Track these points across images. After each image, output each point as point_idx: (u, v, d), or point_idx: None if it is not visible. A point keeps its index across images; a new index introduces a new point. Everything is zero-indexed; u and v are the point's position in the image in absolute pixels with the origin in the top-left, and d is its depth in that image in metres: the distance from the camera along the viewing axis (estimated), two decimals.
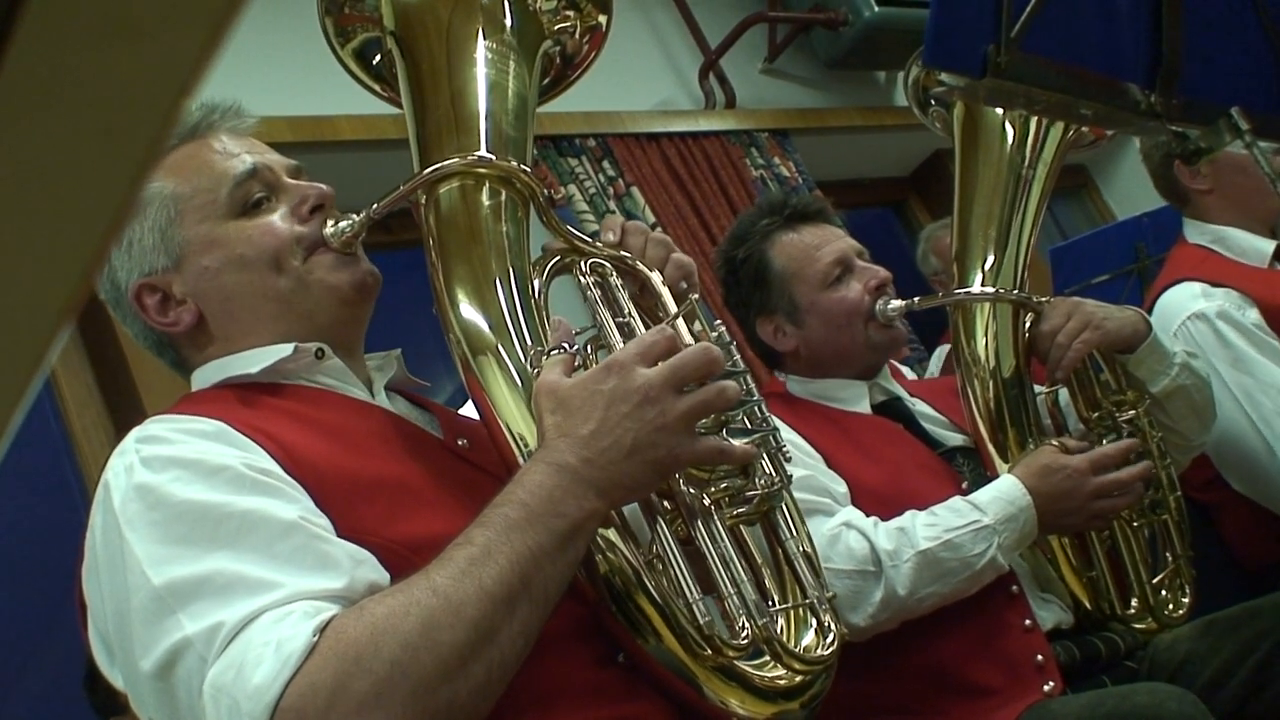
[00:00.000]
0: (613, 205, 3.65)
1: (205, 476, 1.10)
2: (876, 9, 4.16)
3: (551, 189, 3.51)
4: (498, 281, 1.31)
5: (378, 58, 1.51)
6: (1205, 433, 2.19)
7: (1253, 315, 2.42)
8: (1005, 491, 1.86)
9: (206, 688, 0.99)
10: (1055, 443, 1.96)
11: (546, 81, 1.53)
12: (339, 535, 1.11)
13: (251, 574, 1.03)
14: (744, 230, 2.20)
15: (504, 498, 1.09)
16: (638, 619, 1.15)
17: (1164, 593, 2.07)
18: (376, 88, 1.54)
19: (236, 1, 0.29)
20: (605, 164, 3.72)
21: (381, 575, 1.09)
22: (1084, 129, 2.17)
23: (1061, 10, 1.66)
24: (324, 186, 1.35)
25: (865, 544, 1.79)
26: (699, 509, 1.21)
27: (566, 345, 1.23)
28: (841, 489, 1.91)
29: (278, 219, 1.31)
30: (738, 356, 1.31)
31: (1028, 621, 1.87)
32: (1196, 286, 2.47)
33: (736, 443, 1.20)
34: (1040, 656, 1.83)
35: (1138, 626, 2.00)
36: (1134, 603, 2.02)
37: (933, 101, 2.27)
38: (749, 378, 1.32)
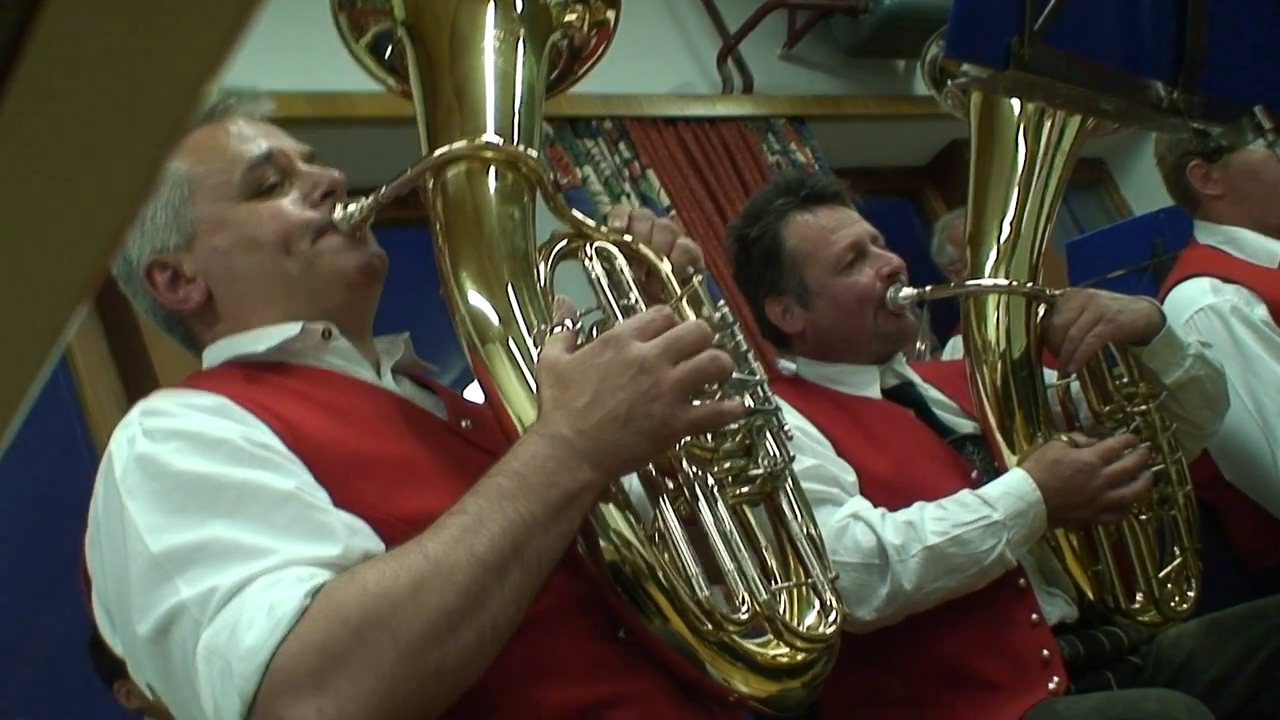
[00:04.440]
0: (628, 188, 3.65)
1: (205, 449, 1.11)
2: None
3: (560, 173, 3.50)
4: (504, 266, 1.31)
5: (389, 50, 1.51)
6: (1218, 421, 2.18)
7: (1261, 312, 2.44)
8: (1015, 486, 1.86)
9: (200, 649, 1.01)
10: (1065, 438, 1.95)
11: (554, 75, 1.53)
12: (336, 508, 1.12)
13: (247, 541, 1.05)
14: (758, 208, 2.18)
15: (499, 468, 1.10)
16: (643, 599, 1.15)
17: (1169, 586, 2.07)
18: (390, 82, 1.54)
19: None
20: (621, 146, 3.71)
21: (376, 544, 1.10)
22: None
23: (1085, 4, 1.65)
24: (335, 173, 1.36)
25: (872, 537, 1.78)
26: (702, 487, 1.21)
27: (570, 322, 1.24)
28: (850, 478, 1.90)
29: (289, 203, 1.33)
30: (740, 337, 1.31)
31: (1034, 616, 1.86)
32: (1207, 282, 2.48)
33: (730, 402, 1.20)
34: (1046, 651, 1.82)
35: (1142, 619, 2.00)
36: (1139, 596, 2.01)
37: (949, 81, 2.26)
38: (751, 357, 1.32)
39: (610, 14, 1.53)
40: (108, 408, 2.84)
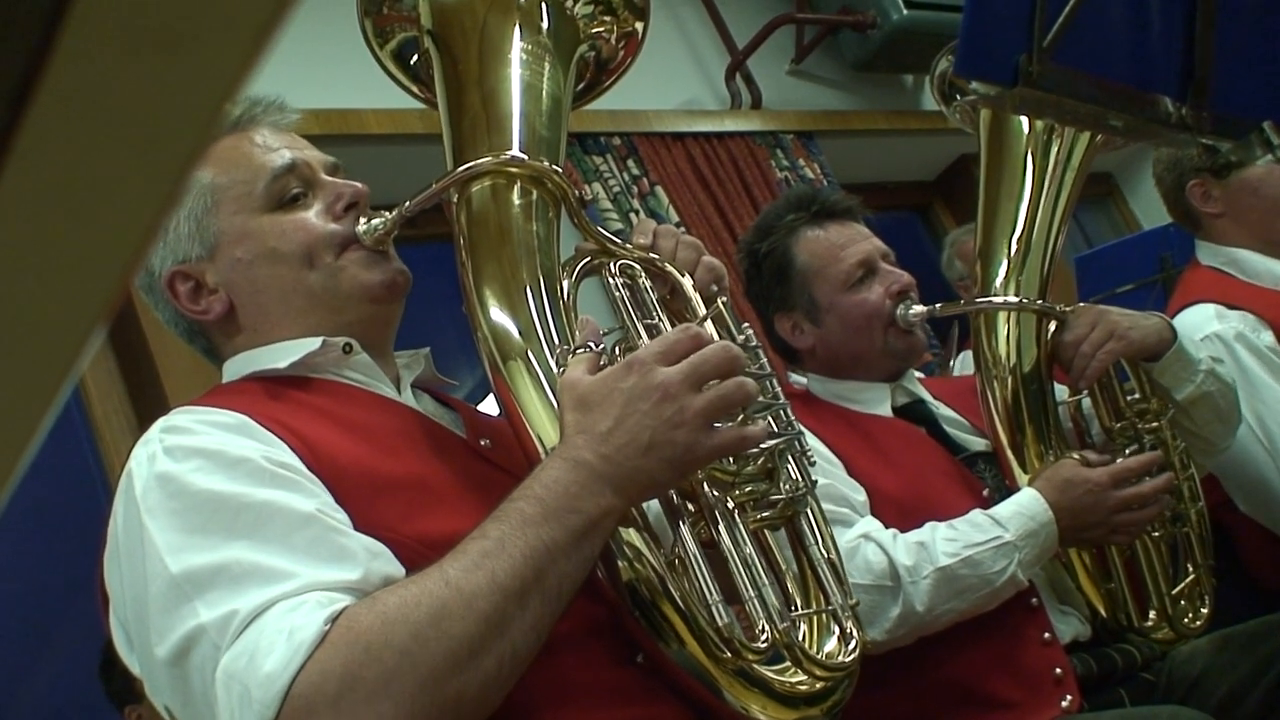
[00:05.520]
0: (637, 204, 3.65)
1: (225, 468, 1.10)
2: (905, 12, 4.15)
3: (580, 189, 3.50)
4: (527, 282, 1.31)
5: (414, 58, 1.51)
6: (1230, 436, 2.17)
7: (1267, 338, 2.41)
8: (1026, 506, 1.85)
9: (219, 674, 1.00)
10: (1077, 456, 1.95)
11: (581, 86, 1.53)
12: (357, 530, 1.11)
13: (267, 564, 1.04)
14: (769, 223, 2.18)
15: (520, 493, 1.10)
16: (660, 624, 1.15)
17: (1182, 603, 2.06)
18: (414, 89, 1.54)
19: (280, 13, 0.29)
20: (630, 163, 3.72)
21: (397, 568, 1.09)
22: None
23: (1094, 21, 1.65)
24: (359, 185, 1.36)
25: (884, 558, 1.77)
26: (722, 512, 1.20)
27: (593, 344, 1.22)
28: (861, 497, 1.89)
29: (312, 215, 1.33)
30: (764, 360, 1.30)
31: (1047, 635, 1.86)
32: (1211, 309, 2.46)
33: (754, 428, 1.18)
34: (1059, 670, 1.82)
35: (1155, 637, 1.99)
36: (1152, 614, 2.01)
37: (958, 97, 2.25)
38: (774, 381, 1.31)
39: (638, 25, 1.54)
40: (117, 426, 2.84)
